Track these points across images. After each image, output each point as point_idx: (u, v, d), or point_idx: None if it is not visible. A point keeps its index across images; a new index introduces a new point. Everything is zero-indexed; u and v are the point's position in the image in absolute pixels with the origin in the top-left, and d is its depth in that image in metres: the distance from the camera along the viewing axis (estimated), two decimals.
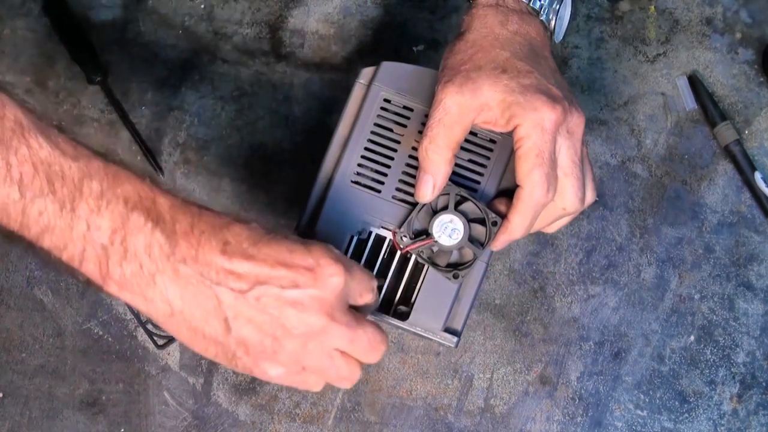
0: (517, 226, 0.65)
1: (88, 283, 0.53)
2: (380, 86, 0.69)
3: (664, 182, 0.85)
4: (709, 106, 0.85)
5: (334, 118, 0.71)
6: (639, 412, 0.82)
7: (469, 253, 0.66)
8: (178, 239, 0.52)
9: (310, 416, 0.80)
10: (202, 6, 0.86)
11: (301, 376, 0.57)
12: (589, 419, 0.82)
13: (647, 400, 0.82)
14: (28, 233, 0.51)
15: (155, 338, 0.79)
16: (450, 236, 0.66)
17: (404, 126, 0.69)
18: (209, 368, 0.80)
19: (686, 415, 0.82)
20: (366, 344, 0.57)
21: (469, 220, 0.66)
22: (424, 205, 0.66)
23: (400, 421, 0.81)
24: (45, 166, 0.50)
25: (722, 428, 0.82)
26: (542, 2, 0.68)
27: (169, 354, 0.80)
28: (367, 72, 0.71)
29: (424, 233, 0.66)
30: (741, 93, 0.87)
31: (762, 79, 0.87)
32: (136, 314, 0.79)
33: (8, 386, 0.79)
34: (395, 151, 0.68)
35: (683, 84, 0.87)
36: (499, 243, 0.66)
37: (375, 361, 0.58)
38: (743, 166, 0.85)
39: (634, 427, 0.82)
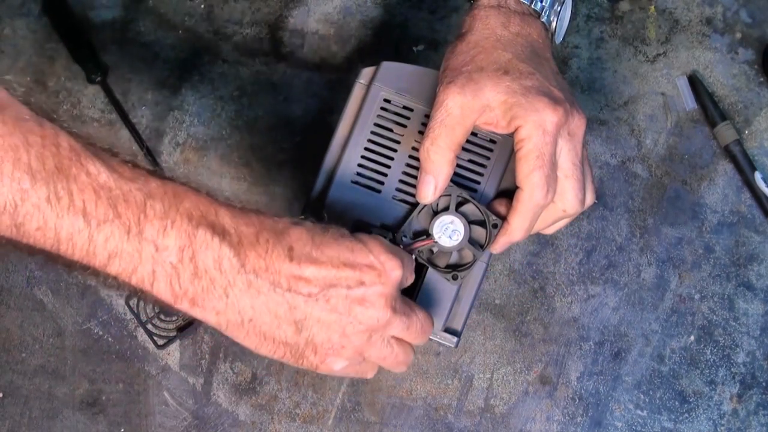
0: (517, 228, 0.65)
1: (157, 302, 0.52)
2: (380, 86, 0.69)
3: (664, 182, 0.85)
4: (709, 106, 0.85)
5: (334, 118, 0.71)
6: (639, 412, 0.82)
7: (468, 254, 0.66)
8: (246, 251, 0.52)
9: (310, 416, 0.81)
10: (202, 6, 0.86)
11: (362, 365, 0.59)
12: (589, 419, 0.82)
13: (647, 400, 0.82)
14: (95, 261, 0.50)
15: (155, 338, 0.79)
16: (450, 237, 0.66)
17: (404, 126, 0.69)
18: (209, 368, 0.80)
19: (686, 415, 0.82)
20: (420, 328, 0.60)
21: (470, 221, 0.66)
22: (425, 205, 0.66)
23: (400, 421, 0.81)
24: (106, 191, 0.50)
25: (722, 428, 0.82)
26: (543, 4, 0.68)
27: (169, 354, 0.80)
28: (367, 72, 0.71)
29: (424, 234, 0.66)
30: (741, 93, 0.87)
31: (762, 79, 0.87)
32: (136, 314, 0.79)
33: (8, 386, 0.79)
34: (395, 151, 0.68)
35: (683, 84, 0.87)
36: (499, 245, 0.66)
37: (425, 342, 0.61)
38: (743, 166, 0.85)
39: (634, 427, 0.82)
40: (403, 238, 0.66)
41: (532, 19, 0.67)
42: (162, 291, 0.52)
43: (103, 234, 0.49)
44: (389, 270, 0.57)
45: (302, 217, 0.59)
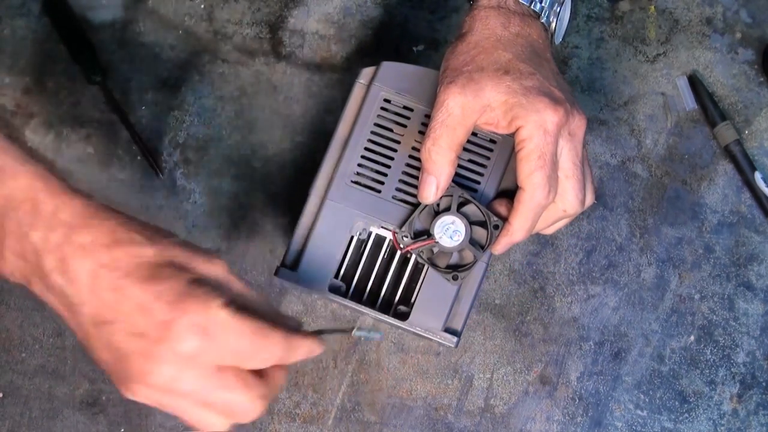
0: (518, 228, 0.65)
1: None
2: (380, 86, 0.69)
3: (664, 182, 0.85)
4: (709, 106, 0.85)
5: (334, 118, 0.71)
6: (639, 412, 0.82)
7: (469, 255, 0.66)
8: (48, 253, 0.51)
9: (310, 416, 0.80)
10: (202, 6, 0.86)
11: (167, 407, 0.55)
12: (589, 419, 0.82)
13: (647, 400, 0.82)
14: None
15: None
16: (451, 238, 0.66)
17: (404, 126, 0.69)
18: None
19: (686, 415, 0.82)
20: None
21: (471, 222, 0.66)
22: (426, 205, 0.66)
23: (400, 421, 0.81)
24: None
25: (722, 428, 0.82)
26: (543, 4, 0.68)
27: None
28: (367, 72, 0.71)
29: (425, 234, 0.66)
30: (741, 93, 0.87)
31: (762, 79, 0.87)
32: None
33: (8, 386, 0.79)
34: (395, 151, 0.68)
35: (683, 84, 0.87)
36: (501, 246, 0.66)
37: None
38: (743, 166, 0.85)
39: (634, 427, 0.82)
40: (404, 238, 0.66)
41: (532, 19, 0.67)
42: None
43: None
44: (177, 340, 0.50)
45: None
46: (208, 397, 0.53)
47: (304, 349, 0.56)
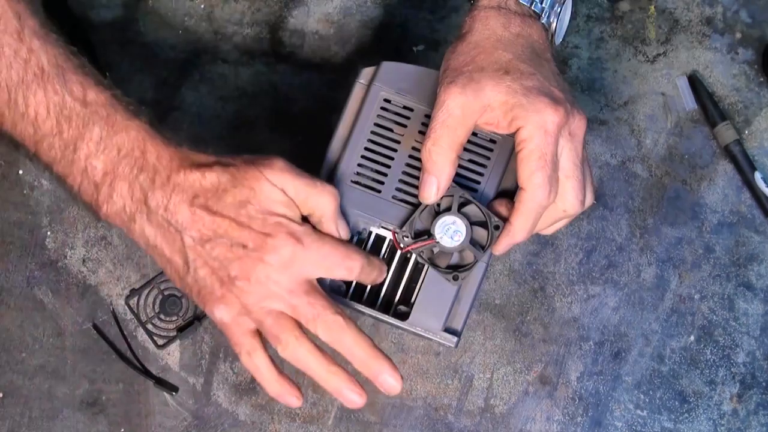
0: (519, 228, 0.65)
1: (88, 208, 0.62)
2: (380, 86, 0.69)
3: (664, 182, 0.85)
4: (709, 106, 0.85)
5: (334, 118, 0.71)
6: (639, 412, 0.82)
7: (469, 255, 0.66)
8: (155, 189, 0.59)
9: (310, 416, 0.81)
10: (202, 6, 0.86)
11: (243, 325, 0.61)
12: (589, 419, 0.82)
13: (647, 400, 0.82)
14: (40, 160, 0.61)
15: (155, 338, 0.79)
16: (452, 238, 0.66)
17: (404, 126, 0.69)
18: (209, 368, 0.81)
19: (686, 415, 0.82)
20: (315, 317, 0.60)
21: (472, 222, 0.66)
22: (427, 205, 0.66)
23: (400, 421, 0.81)
24: (57, 109, 0.59)
25: (722, 428, 0.82)
26: (543, 5, 0.68)
27: (169, 354, 0.80)
28: (367, 72, 0.71)
29: (425, 234, 0.66)
30: (741, 93, 0.87)
31: (762, 79, 0.87)
32: (136, 314, 0.79)
33: (8, 386, 0.79)
34: (395, 151, 0.68)
35: (683, 84, 0.87)
36: (502, 246, 0.66)
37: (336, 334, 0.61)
38: (743, 166, 0.85)
39: (634, 427, 0.82)
40: (405, 238, 0.66)
41: (532, 20, 0.67)
42: (86, 200, 0.61)
43: (46, 143, 0.60)
44: (274, 247, 0.59)
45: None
46: (295, 299, 0.60)
47: (378, 266, 0.65)
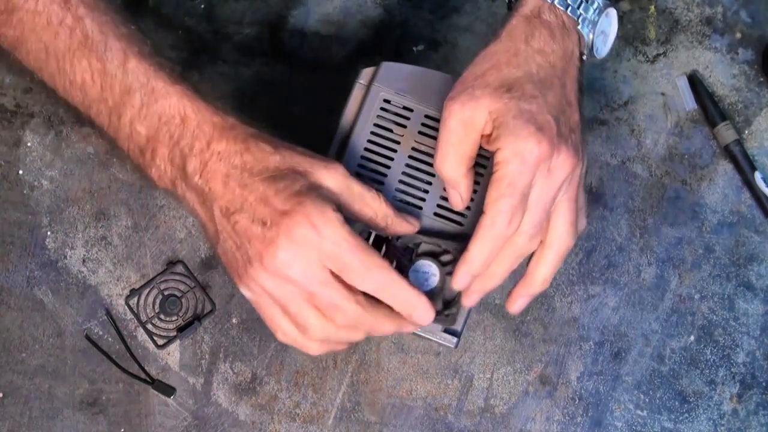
0: (475, 255, 0.62)
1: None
2: (380, 86, 0.69)
3: (664, 182, 0.85)
4: (709, 106, 0.85)
5: (334, 118, 0.71)
6: (639, 412, 0.82)
7: (451, 289, 0.66)
8: (193, 156, 0.61)
9: (310, 416, 0.81)
10: (202, 6, 0.86)
11: (269, 307, 0.61)
12: (589, 419, 0.82)
13: (647, 400, 0.82)
14: (95, 124, 0.64)
15: (155, 338, 0.79)
16: (427, 281, 0.66)
17: (404, 126, 0.69)
18: (209, 368, 0.81)
19: (686, 415, 0.82)
20: (336, 312, 0.60)
21: (443, 263, 0.66)
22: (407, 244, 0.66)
23: (400, 421, 0.81)
24: (101, 76, 0.62)
25: (722, 428, 0.82)
26: (581, 11, 0.66)
27: (169, 354, 0.80)
28: (367, 72, 0.71)
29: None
30: (741, 93, 0.87)
31: (762, 79, 0.87)
32: (136, 314, 0.79)
33: (8, 386, 0.79)
34: (395, 151, 0.68)
35: (683, 84, 0.87)
36: (460, 275, 0.63)
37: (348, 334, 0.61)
38: (743, 166, 0.85)
39: (634, 427, 0.82)
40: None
41: (564, 33, 0.65)
42: (136, 163, 0.64)
43: (95, 109, 0.63)
44: (295, 227, 0.58)
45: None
46: (313, 287, 0.59)
47: (407, 296, 0.60)
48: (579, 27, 0.66)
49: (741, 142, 0.85)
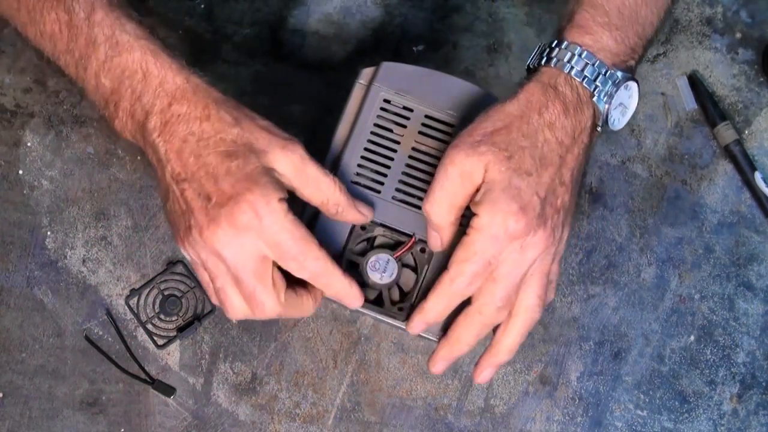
0: (431, 307, 0.64)
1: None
2: (380, 86, 0.69)
3: (664, 182, 0.85)
4: (709, 106, 0.85)
5: (334, 118, 0.71)
6: (639, 412, 0.82)
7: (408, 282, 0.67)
8: (154, 114, 0.61)
9: (310, 416, 0.81)
10: (202, 6, 0.86)
11: (202, 272, 0.62)
12: (589, 419, 0.82)
13: (647, 400, 0.82)
14: (65, 74, 0.65)
15: (155, 338, 0.79)
16: (384, 273, 0.67)
17: (404, 126, 0.69)
18: (209, 368, 0.81)
19: (686, 415, 0.82)
20: (244, 299, 0.61)
21: (403, 264, 0.67)
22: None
23: (400, 421, 0.81)
24: (67, 28, 0.63)
25: (722, 428, 0.82)
26: (598, 84, 0.64)
27: (169, 354, 0.80)
28: (367, 72, 0.71)
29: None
30: (741, 93, 0.87)
31: (762, 79, 0.87)
32: (136, 314, 0.79)
33: (8, 386, 0.79)
34: (395, 151, 0.68)
35: (683, 84, 0.87)
36: (415, 323, 0.65)
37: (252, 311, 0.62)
38: (743, 166, 0.85)
39: (634, 427, 0.82)
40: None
41: (578, 107, 0.64)
42: (102, 114, 0.64)
43: (63, 60, 0.64)
44: (225, 214, 0.58)
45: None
46: (240, 274, 0.60)
47: (340, 286, 0.63)
48: (594, 99, 0.65)
49: (741, 142, 0.85)
